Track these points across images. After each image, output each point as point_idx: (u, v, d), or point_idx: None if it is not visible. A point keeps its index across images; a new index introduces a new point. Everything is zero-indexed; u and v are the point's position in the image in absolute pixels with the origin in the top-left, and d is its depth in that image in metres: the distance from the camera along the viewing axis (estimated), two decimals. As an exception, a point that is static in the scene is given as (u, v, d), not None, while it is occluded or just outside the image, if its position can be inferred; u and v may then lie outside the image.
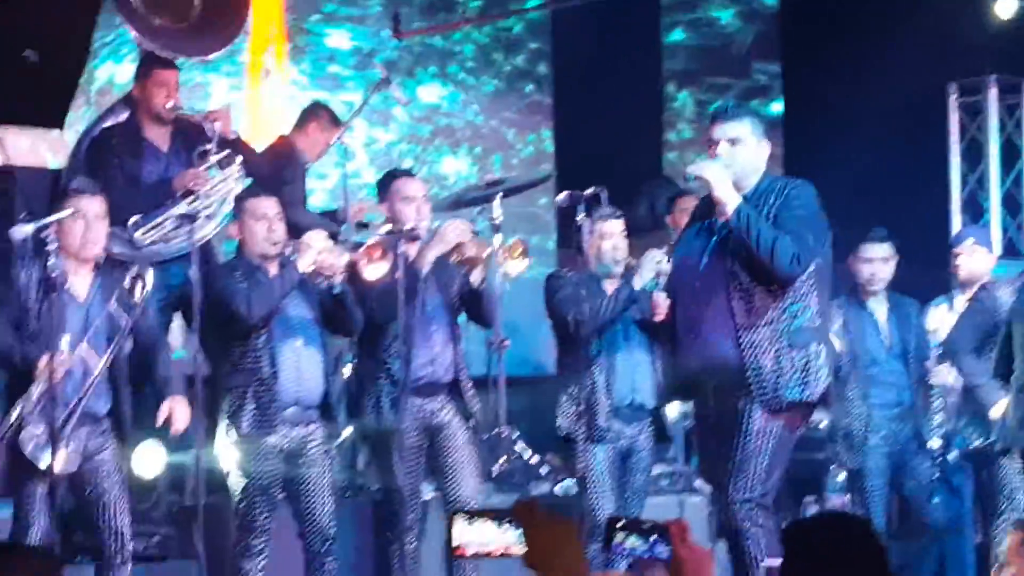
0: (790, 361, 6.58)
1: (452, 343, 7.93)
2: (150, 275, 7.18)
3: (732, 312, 6.61)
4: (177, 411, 7.16)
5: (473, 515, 3.24)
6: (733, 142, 6.69)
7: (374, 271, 7.66)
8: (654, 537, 3.49)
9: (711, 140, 6.76)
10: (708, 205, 6.78)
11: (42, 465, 6.81)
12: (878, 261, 8.73)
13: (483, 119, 11.83)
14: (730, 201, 6.60)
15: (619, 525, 3.53)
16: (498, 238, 8.35)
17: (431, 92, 11.67)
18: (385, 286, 7.63)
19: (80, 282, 7.11)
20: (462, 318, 8.06)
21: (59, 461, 6.80)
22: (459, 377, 7.92)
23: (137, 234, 8.19)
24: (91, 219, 7.08)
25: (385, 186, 8.05)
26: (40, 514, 6.89)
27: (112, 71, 10.22)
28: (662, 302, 7.11)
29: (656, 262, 7.41)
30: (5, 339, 6.94)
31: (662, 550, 3.48)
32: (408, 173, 8.33)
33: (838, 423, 8.67)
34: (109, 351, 6.99)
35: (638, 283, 7.85)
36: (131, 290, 7.13)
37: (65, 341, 6.85)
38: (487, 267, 7.90)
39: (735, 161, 6.67)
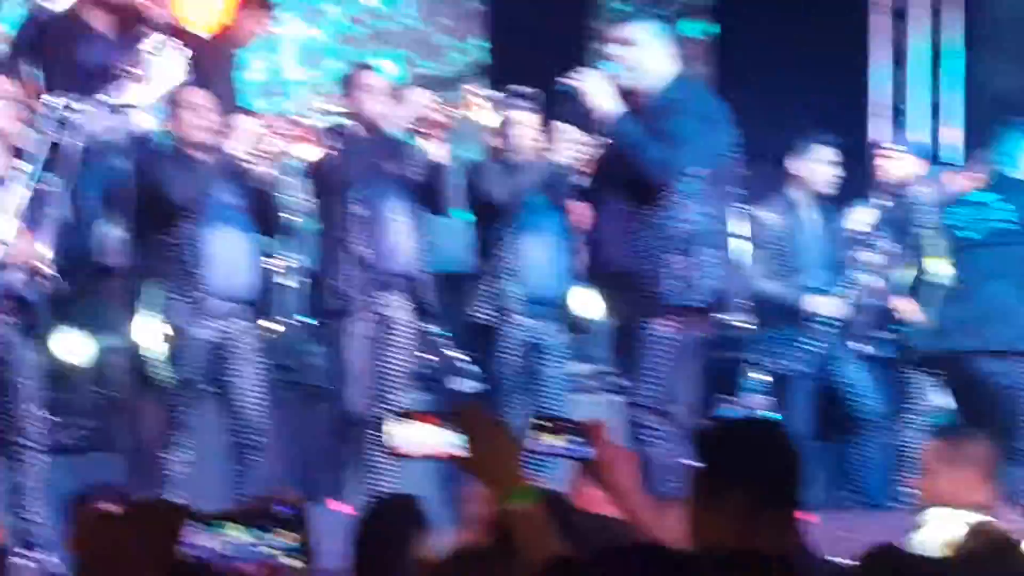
0: (675, 266, 6.45)
1: (411, 233, 7.56)
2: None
3: (619, 217, 6.54)
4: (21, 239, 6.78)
5: (411, 416, 3.03)
6: (625, 44, 6.58)
7: (306, 152, 7.41)
8: (575, 437, 3.34)
9: (605, 41, 6.73)
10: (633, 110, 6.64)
11: None
12: (831, 163, 8.52)
13: (420, 24, 11.54)
14: (598, 109, 6.52)
15: (539, 424, 3.35)
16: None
17: (369, -7, 11.37)
18: (332, 162, 7.35)
19: None
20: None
21: None
22: (416, 271, 7.58)
23: (69, 115, 7.88)
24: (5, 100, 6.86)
25: (349, 79, 7.71)
26: None
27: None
28: (579, 208, 6.98)
29: (568, 134, 7.30)
30: None
31: (583, 450, 3.33)
32: (371, 67, 7.99)
33: (763, 324, 8.52)
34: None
35: (555, 157, 7.60)
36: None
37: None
38: (448, 142, 7.58)
39: (628, 63, 6.57)
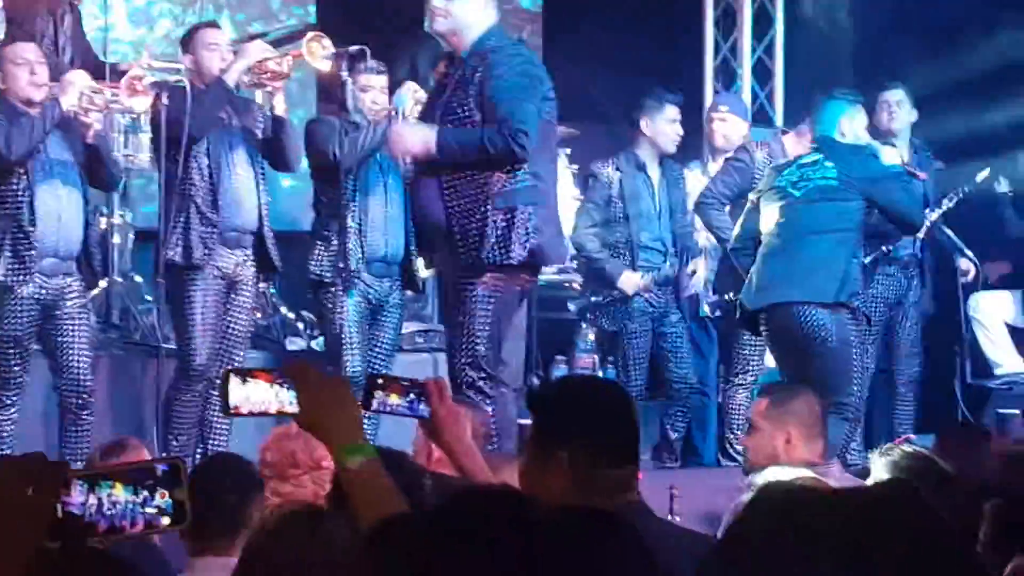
0: (494, 222, 6.37)
1: (257, 188, 7.41)
2: None
3: (439, 172, 6.46)
4: None
5: (246, 373, 2.95)
6: None
7: (137, 103, 7.25)
8: (412, 395, 3.31)
9: None
10: (453, 62, 6.61)
11: None
12: (675, 122, 8.54)
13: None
14: (428, 148, 6.46)
15: (379, 383, 3.31)
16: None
17: (199, -48, 11.13)
18: (174, 117, 7.16)
19: None
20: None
21: None
22: (264, 227, 7.43)
23: None
24: None
25: (190, 37, 7.52)
26: None
27: None
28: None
29: (413, 91, 7.26)
30: None
31: (422, 409, 3.30)
32: (213, 24, 7.87)
33: (593, 283, 8.53)
34: None
35: (402, 115, 7.52)
36: None
37: None
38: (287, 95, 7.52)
39: (450, 14, 6.54)
